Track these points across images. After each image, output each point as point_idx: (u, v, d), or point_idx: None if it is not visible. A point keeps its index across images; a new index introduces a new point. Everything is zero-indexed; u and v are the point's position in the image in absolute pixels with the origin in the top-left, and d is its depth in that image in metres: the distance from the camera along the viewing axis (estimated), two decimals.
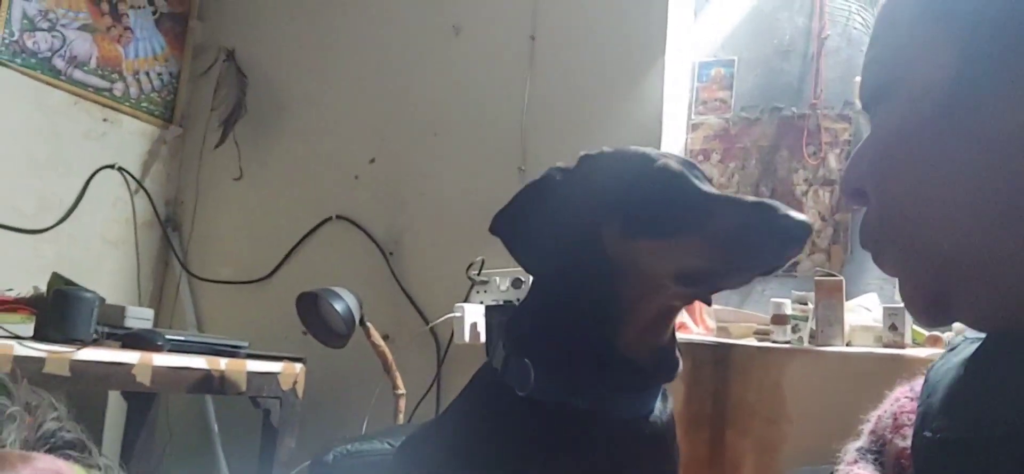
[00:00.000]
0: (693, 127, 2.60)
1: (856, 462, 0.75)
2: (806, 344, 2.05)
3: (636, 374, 0.88)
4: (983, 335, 0.65)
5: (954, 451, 0.59)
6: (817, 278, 2.07)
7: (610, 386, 0.87)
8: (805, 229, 0.81)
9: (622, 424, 0.87)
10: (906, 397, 0.74)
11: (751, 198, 0.86)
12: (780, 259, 0.83)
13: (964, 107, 0.55)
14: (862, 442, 0.77)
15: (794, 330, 2.06)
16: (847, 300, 2.06)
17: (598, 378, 0.87)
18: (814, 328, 2.04)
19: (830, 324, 2.01)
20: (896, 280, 0.64)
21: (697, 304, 2.04)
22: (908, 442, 0.69)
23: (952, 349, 0.71)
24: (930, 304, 0.60)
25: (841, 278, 2.05)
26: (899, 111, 0.59)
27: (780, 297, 2.09)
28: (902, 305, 2.01)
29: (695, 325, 2.27)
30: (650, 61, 2.54)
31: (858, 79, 2.29)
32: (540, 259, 0.93)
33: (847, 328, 2.03)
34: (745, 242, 0.82)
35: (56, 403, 0.63)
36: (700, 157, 2.54)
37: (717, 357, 2.05)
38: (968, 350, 0.66)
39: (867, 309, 2.06)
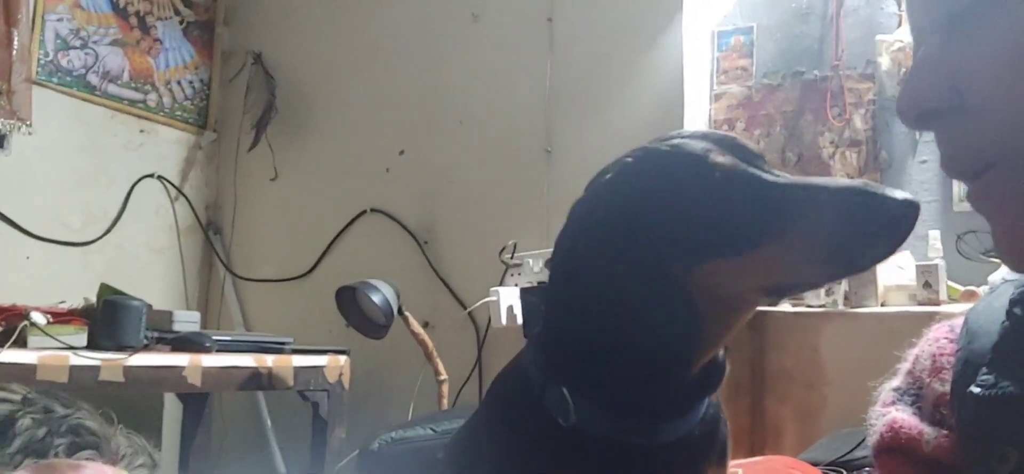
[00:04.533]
0: (716, 97, 2.59)
1: (894, 403, 0.72)
2: (841, 307, 2.05)
3: (691, 395, 0.79)
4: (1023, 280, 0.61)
5: (1008, 407, 0.57)
6: None
7: (666, 415, 0.77)
8: (913, 209, 0.65)
9: (669, 448, 0.78)
10: (946, 338, 0.70)
11: (839, 181, 0.70)
12: (890, 251, 0.68)
13: None
14: (898, 382, 0.74)
15: (828, 293, 2.06)
16: None
17: (653, 408, 0.77)
18: (847, 290, 2.04)
19: (863, 285, 2.01)
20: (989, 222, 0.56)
21: None
22: (947, 387, 0.66)
23: (992, 291, 0.68)
24: None
25: None
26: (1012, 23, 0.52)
27: None
28: (936, 262, 2.00)
29: None
30: (668, 33, 2.54)
31: (879, 37, 2.28)
32: (598, 300, 0.78)
33: (881, 288, 2.03)
34: (843, 239, 0.67)
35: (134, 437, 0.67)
36: (725, 126, 2.54)
37: (752, 324, 2.06)
38: (1009, 293, 0.63)
39: (900, 268, 2.05)
